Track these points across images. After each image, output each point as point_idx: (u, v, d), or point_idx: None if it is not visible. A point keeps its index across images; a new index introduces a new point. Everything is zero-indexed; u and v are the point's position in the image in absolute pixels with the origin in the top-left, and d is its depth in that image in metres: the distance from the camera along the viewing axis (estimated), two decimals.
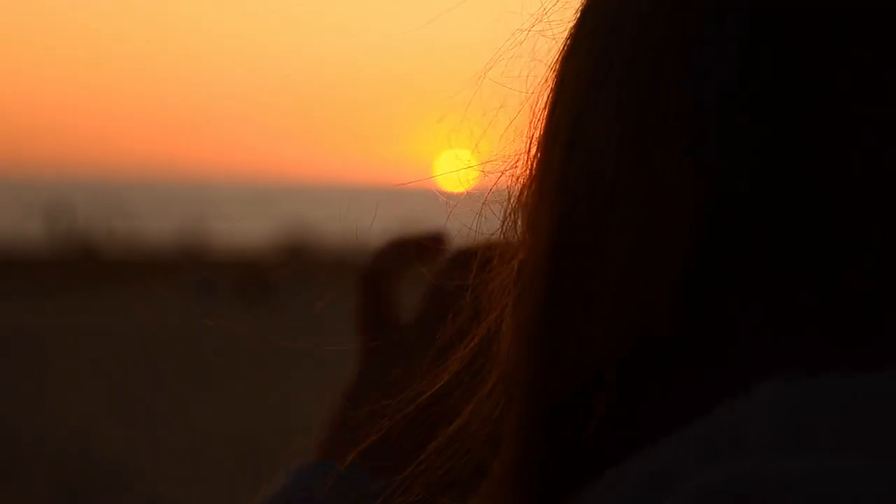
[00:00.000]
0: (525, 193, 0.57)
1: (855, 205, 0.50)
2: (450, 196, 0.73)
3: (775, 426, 0.46)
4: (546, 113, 0.56)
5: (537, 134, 0.57)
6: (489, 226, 0.63)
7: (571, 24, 0.56)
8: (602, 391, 0.51)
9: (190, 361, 13.04)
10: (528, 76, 0.59)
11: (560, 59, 0.57)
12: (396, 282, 0.81)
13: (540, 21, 0.59)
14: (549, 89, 0.57)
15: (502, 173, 0.61)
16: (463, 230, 0.70)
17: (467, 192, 0.65)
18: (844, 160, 0.50)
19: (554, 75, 0.57)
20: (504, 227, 0.59)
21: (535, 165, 0.56)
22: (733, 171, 0.51)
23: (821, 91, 0.51)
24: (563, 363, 0.52)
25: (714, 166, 0.51)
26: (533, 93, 0.58)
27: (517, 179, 0.58)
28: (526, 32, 0.59)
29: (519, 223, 0.57)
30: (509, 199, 0.60)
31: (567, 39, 0.56)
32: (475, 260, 0.70)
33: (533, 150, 0.57)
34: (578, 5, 0.57)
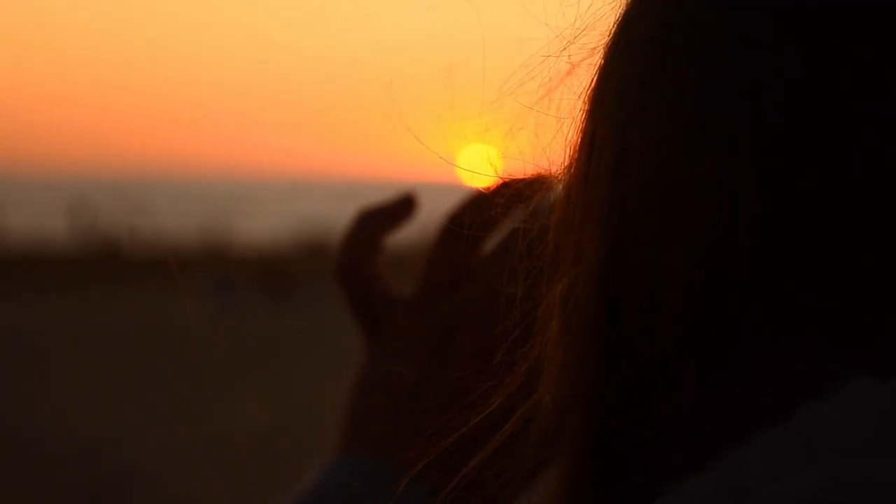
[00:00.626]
0: (567, 207, 0.56)
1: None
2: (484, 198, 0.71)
3: (860, 431, 0.46)
4: (586, 128, 0.56)
5: (575, 148, 0.56)
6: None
7: (612, 35, 0.56)
8: (657, 401, 0.51)
9: (210, 359, 13.06)
10: (558, 88, 0.59)
11: (600, 71, 0.56)
12: (375, 259, 0.78)
13: (570, 42, 0.58)
14: (588, 103, 0.56)
15: (535, 181, 0.61)
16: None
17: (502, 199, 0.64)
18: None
19: (593, 88, 0.56)
20: (540, 243, 0.58)
21: (576, 178, 0.55)
22: (798, 177, 0.50)
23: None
24: (617, 378, 0.52)
25: (782, 173, 0.50)
26: (566, 107, 0.58)
27: (554, 190, 0.58)
28: (555, 52, 0.59)
29: (559, 239, 0.56)
30: (546, 210, 0.59)
31: (607, 51, 0.56)
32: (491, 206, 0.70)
33: (573, 163, 0.56)
34: (618, 17, 0.56)
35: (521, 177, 0.69)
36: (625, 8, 0.55)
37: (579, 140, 0.56)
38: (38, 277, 21.77)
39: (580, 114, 0.56)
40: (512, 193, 0.71)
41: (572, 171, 0.56)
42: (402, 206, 0.78)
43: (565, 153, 0.58)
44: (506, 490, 0.65)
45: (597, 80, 0.56)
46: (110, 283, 21.61)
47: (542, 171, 0.61)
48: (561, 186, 0.57)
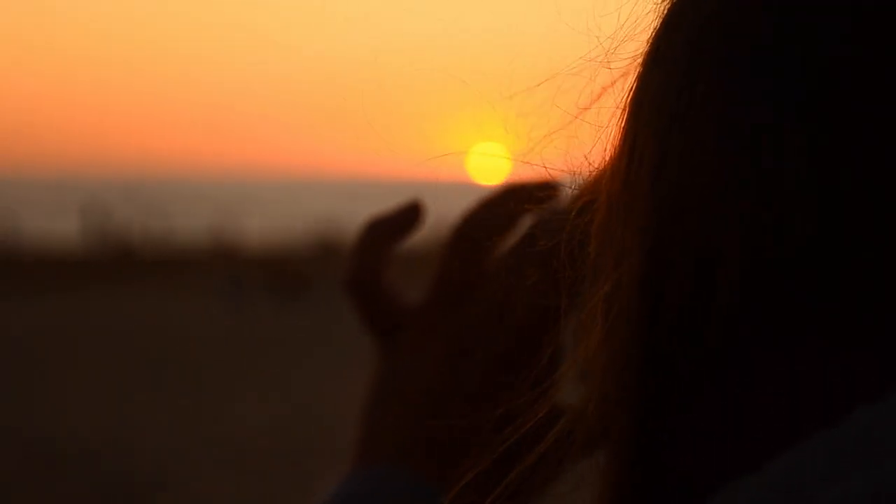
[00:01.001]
0: (608, 213, 0.55)
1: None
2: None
3: None
4: (625, 134, 0.55)
5: (614, 154, 0.56)
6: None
7: (650, 42, 0.56)
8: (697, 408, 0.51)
9: (221, 358, 13.07)
10: (588, 91, 0.59)
11: (639, 78, 0.56)
12: (385, 268, 0.77)
13: (609, 51, 0.58)
14: (627, 110, 0.56)
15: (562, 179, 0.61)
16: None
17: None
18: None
19: (633, 95, 0.56)
20: (571, 244, 0.58)
21: (616, 184, 0.55)
22: (852, 168, 0.50)
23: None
24: (660, 382, 0.51)
25: (839, 165, 0.50)
26: (603, 114, 0.58)
27: (586, 194, 0.58)
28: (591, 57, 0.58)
29: (599, 245, 0.56)
30: (561, 214, 0.59)
31: (646, 58, 0.56)
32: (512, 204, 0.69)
33: (612, 170, 0.56)
34: (656, 25, 0.56)
35: (533, 179, 0.69)
36: (663, 16, 0.55)
37: (618, 146, 0.56)
38: (50, 278, 21.81)
39: (619, 120, 0.56)
40: (524, 196, 0.70)
41: (612, 177, 0.56)
42: (410, 214, 0.77)
43: (603, 160, 0.57)
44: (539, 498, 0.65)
45: (636, 86, 0.56)
46: (121, 283, 21.65)
47: (554, 174, 0.61)
48: (600, 193, 0.56)
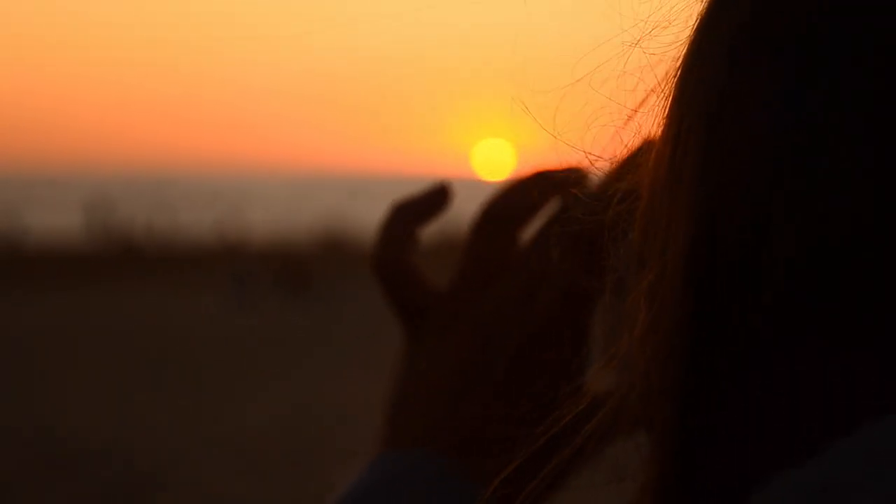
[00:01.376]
0: (653, 201, 0.55)
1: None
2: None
3: None
4: (669, 121, 0.54)
5: (658, 141, 0.55)
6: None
7: (696, 24, 0.54)
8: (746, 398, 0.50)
9: (225, 356, 13.08)
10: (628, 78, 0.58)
11: (684, 63, 0.55)
12: (411, 251, 0.76)
13: (645, 34, 0.57)
14: (671, 96, 0.55)
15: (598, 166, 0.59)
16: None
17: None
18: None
19: (677, 81, 0.55)
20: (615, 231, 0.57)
21: (661, 172, 0.54)
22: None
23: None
24: (704, 373, 0.51)
25: (883, 167, 0.49)
26: (642, 100, 0.57)
27: (627, 180, 0.57)
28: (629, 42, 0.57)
29: (645, 233, 0.55)
30: (587, 200, 0.58)
31: (692, 42, 0.54)
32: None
33: (656, 157, 0.55)
34: (702, 7, 0.55)
35: (561, 165, 0.68)
36: None
37: (662, 132, 0.55)
38: (54, 274, 21.83)
39: (662, 105, 0.55)
40: (552, 181, 0.70)
41: (656, 164, 0.55)
42: (437, 197, 0.76)
43: (644, 145, 0.57)
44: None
45: (682, 70, 0.54)
46: (125, 279, 21.67)
47: (587, 161, 0.60)
48: (643, 179, 0.56)
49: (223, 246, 27.78)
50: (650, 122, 0.56)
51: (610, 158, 0.59)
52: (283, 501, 7.27)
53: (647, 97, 0.57)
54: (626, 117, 0.58)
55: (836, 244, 0.49)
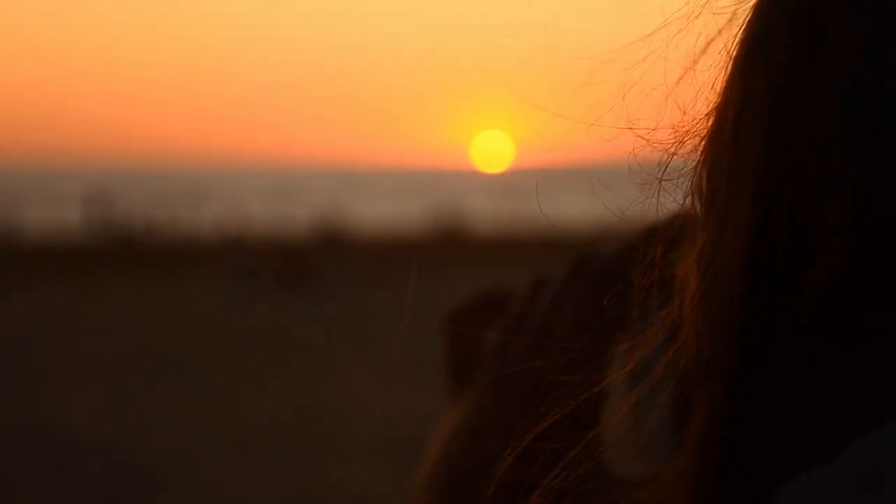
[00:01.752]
0: (708, 176, 0.54)
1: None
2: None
3: None
4: (734, 89, 0.53)
5: (722, 108, 0.54)
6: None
7: (760, 5, 0.54)
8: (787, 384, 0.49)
9: (229, 350, 13.08)
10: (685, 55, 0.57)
11: (750, 31, 0.53)
12: (480, 330, 0.80)
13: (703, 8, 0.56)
14: (737, 64, 0.54)
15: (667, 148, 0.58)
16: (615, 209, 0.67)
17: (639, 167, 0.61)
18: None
19: (743, 49, 0.53)
20: (683, 207, 0.57)
21: (724, 140, 0.53)
22: None
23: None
24: (755, 350, 0.50)
25: None
26: (706, 68, 0.56)
27: (691, 160, 0.56)
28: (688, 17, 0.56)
29: (698, 207, 0.54)
30: (685, 178, 0.57)
31: (757, 10, 0.54)
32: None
33: (719, 124, 0.54)
34: None
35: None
36: None
37: (726, 98, 0.54)
38: (53, 268, 21.83)
39: (726, 71, 0.54)
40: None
41: (719, 131, 0.54)
42: (495, 304, 0.79)
43: (707, 114, 0.56)
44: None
45: (748, 36, 0.53)
46: (125, 274, 21.67)
47: (645, 132, 0.59)
48: (703, 147, 0.55)
49: (223, 241, 27.76)
50: (711, 85, 0.55)
51: (671, 126, 0.58)
52: (283, 500, 7.28)
53: (708, 58, 0.56)
54: (680, 81, 0.57)
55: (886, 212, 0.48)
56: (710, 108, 0.55)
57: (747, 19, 0.54)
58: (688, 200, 0.55)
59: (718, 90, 0.54)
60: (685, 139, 0.57)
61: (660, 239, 0.58)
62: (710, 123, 0.55)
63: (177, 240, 28.18)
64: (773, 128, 0.50)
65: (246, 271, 19.69)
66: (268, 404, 9.86)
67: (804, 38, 0.50)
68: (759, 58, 0.52)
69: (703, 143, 0.55)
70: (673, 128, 0.57)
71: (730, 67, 0.54)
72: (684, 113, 0.57)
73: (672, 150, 0.57)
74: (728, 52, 0.54)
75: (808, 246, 0.49)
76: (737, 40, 0.54)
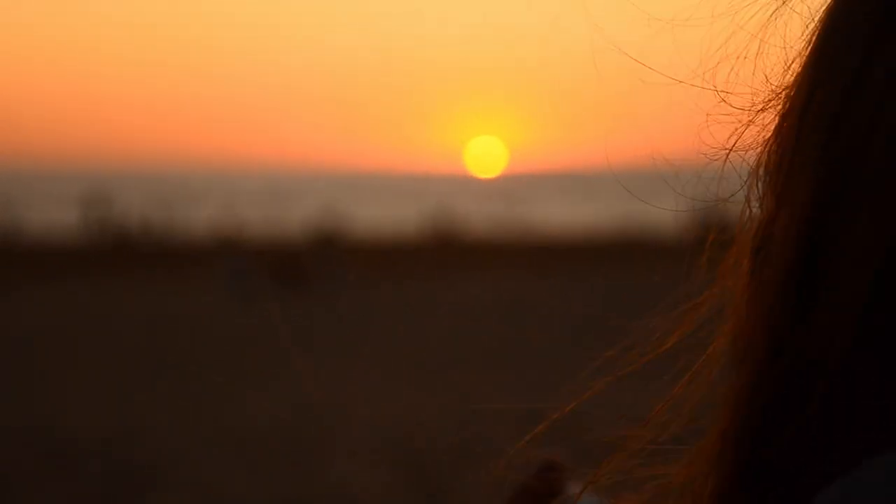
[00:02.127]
0: (774, 162, 0.53)
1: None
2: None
3: None
4: (808, 74, 0.53)
5: (795, 90, 0.54)
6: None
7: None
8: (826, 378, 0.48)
9: (227, 350, 12.96)
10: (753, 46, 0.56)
11: (829, 18, 0.53)
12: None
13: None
14: (813, 49, 0.53)
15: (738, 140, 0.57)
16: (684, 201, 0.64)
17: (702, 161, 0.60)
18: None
19: (821, 34, 0.53)
20: (747, 193, 0.56)
21: (791, 122, 0.53)
22: None
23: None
24: (799, 341, 0.49)
25: None
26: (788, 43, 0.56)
27: (760, 147, 0.55)
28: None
29: (762, 191, 0.54)
30: (754, 166, 0.56)
31: (827, 15, 0.53)
32: None
33: (790, 105, 0.53)
34: None
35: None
36: None
37: (800, 83, 0.53)
38: (53, 269, 21.70)
39: (802, 58, 0.54)
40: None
41: (789, 114, 0.54)
42: (548, 481, 0.76)
43: (783, 92, 0.55)
44: None
45: (825, 26, 0.53)
46: (122, 275, 21.54)
47: (734, 97, 0.57)
48: (776, 123, 0.55)
49: (220, 242, 27.60)
50: (790, 61, 0.54)
51: (755, 92, 0.57)
52: (283, 499, 7.22)
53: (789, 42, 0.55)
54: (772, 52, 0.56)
55: None
56: (788, 84, 0.54)
57: (827, 10, 0.53)
58: (750, 179, 0.55)
59: (797, 67, 0.53)
60: (762, 110, 0.56)
61: (712, 223, 0.58)
62: (786, 99, 0.54)
63: (174, 241, 28.02)
64: (835, 132, 0.49)
65: (243, 272, 19.61)
66: (267, 404, 9.79)
67: (882, 23, 0.49)
68: (830, 49, 0.51)
69: (776, 119, 0.54)
70: (752, 94, 0.56)
71: (807, 54, 0.53)
72: (766, 81, 0.56)
73: (746, 121, 0.56)
74: (808, 36, 0.54)
75: (859, 241, 0.48)
76: (816, 27, 0.53)
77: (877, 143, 0.48)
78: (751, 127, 0.56)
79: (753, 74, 0.56)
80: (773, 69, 0.55)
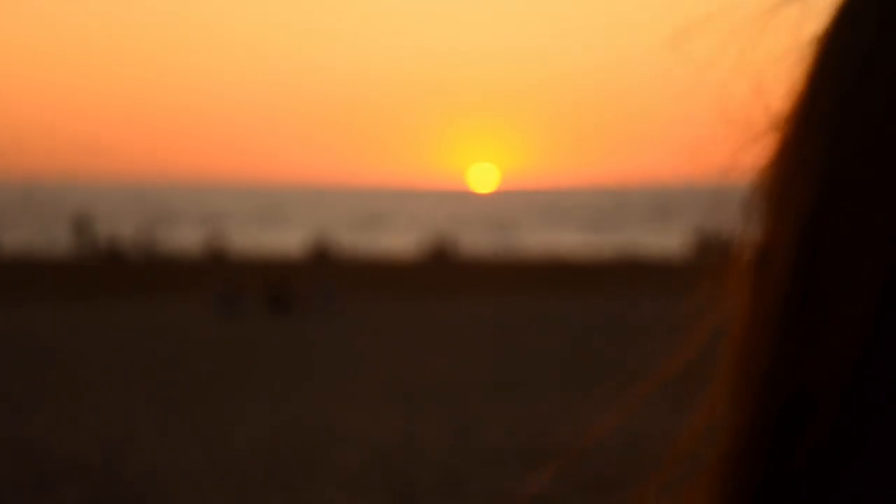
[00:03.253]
0: (774, 177, 0.52)
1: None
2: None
3: None
4: (803, 96, 0.52)
5: (790, 115, 0.52)
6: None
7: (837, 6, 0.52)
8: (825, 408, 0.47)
9: (216, 373, 13.01)
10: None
11: (825, 39, 0.52)
12: None
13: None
14: (818, 50, 0.52)
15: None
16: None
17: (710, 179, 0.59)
18: None
19: (825, 35, 0.52)
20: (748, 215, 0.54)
21: (787, 149, 0.52)
22: None
23: None
24: (806, 361, 0.47)
25: None
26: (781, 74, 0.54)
27: (762, 163, 0.54)
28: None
29: (762, 208, 0.53)
30: (755, 184, 0.55)
31: (833, 19, 0.52)
32: None
33: (785, 134, 0.52)
34: None
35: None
36: None
37: (804, 88, 0.52)
38: (44, 286, 21.75)
39: (808, 59, 0.52)
40: None
41: (792, 117, 0.52)
42: None
43: (784, 110, 0.54)
44: None
45: (830, 27, 0.51)
46: (115, 291, 21.59)
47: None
48: (779, 138, 0.53)
49: (210, 261, 27.71)
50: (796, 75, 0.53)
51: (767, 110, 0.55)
52: None
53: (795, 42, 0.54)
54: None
55: None
56: (789, 98, 0.53)
57: (832, 14, 0.52)
58: (750, 199, 0.54)
59: (799, 78, 0.52)
60: (766, 131, 0.54)
61: (714, 244, 0.56)
62: (786, 113, 0.52)
63: (164, 259, 28.12)
64: (835, 153, 0.48)
65: (233, 294, 19.63)
66: (256, 427, 9.80)
67: (877, 43, 0.48)
68: (833, 51, 0.50)
69: (779, 133, 0.53)
70: (753, 114, 0.55)
71: (813, 54, 0.52)
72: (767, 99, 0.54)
73: (747, 140, 0.55)
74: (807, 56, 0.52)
75: (861, 249, 0.47)
76: (818, 45, 0.52)
77: (880, 152, 0.47)
78: (753, 146, 0.55)
79: (755, 93, 0.55)
80: (774, 87, 0.55)
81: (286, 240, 32.93)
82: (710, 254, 0.57)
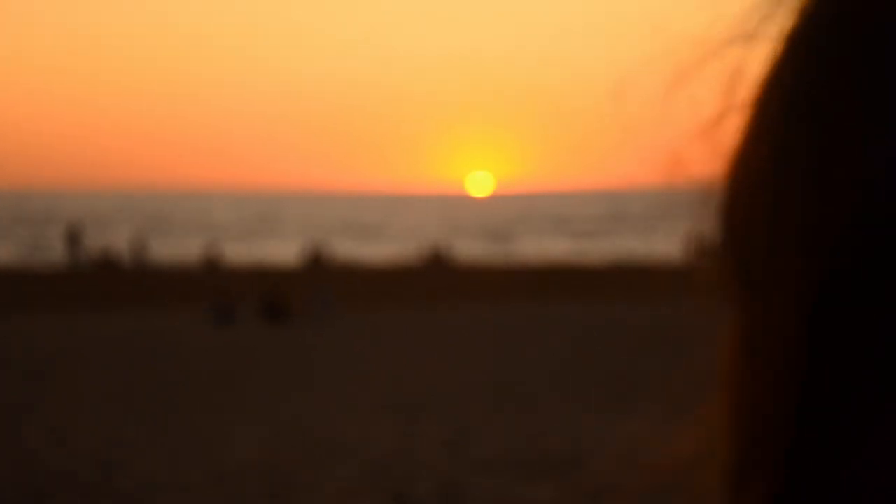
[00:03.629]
0: (732, 224, 0.49)
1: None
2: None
3: None
4: (761, 115, 0.48)
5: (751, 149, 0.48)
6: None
7: (798, 22, 0.47)
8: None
9: (210, 382, 13.02)
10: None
11: (776, 66, 0.47)
12: None
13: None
14: (759, 95, 0.48)
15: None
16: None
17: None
18: None
19: (766, 81, 0.48)
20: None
21: (751, 185, 0.48)
22: None
23: None
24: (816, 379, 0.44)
25: None
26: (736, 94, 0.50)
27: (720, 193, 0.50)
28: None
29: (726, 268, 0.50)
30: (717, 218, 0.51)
31: (787, 44, 0.47)
32: None
33: (752, 169, 0.48)
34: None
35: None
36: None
37: (755, 132, 0.48)
38: (37, 296, 21.75)
39: (754, 100, 0.49)
40: None
41: (747, 158, 0.49)
42: None
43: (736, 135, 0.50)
44: None
45: (769, 74, 0.48)
46: (110, 302, 21.59)
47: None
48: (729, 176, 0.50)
49: (205, 269, 27.70)
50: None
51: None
52: None
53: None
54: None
55: None
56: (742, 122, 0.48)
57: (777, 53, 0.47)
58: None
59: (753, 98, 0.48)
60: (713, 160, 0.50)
61: (711, 252, 0.53)
62: (738, 142, 0.48)
63: (160, 270, 28.10)
64: (823, 156, 0.43)
65: (229, 305, 19.62)
66: (252, 438, 9.80)
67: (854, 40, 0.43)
68: (776, 107, 0.46)
69: (729, 167, 0.49)
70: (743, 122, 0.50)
71: (759, 99, 0.48)
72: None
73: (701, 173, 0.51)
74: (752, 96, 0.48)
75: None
76: (763, 83, 0.48)
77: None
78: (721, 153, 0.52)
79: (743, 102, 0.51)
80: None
81: (282, 248, 32.94)
82: (706, 258, 0.54)
